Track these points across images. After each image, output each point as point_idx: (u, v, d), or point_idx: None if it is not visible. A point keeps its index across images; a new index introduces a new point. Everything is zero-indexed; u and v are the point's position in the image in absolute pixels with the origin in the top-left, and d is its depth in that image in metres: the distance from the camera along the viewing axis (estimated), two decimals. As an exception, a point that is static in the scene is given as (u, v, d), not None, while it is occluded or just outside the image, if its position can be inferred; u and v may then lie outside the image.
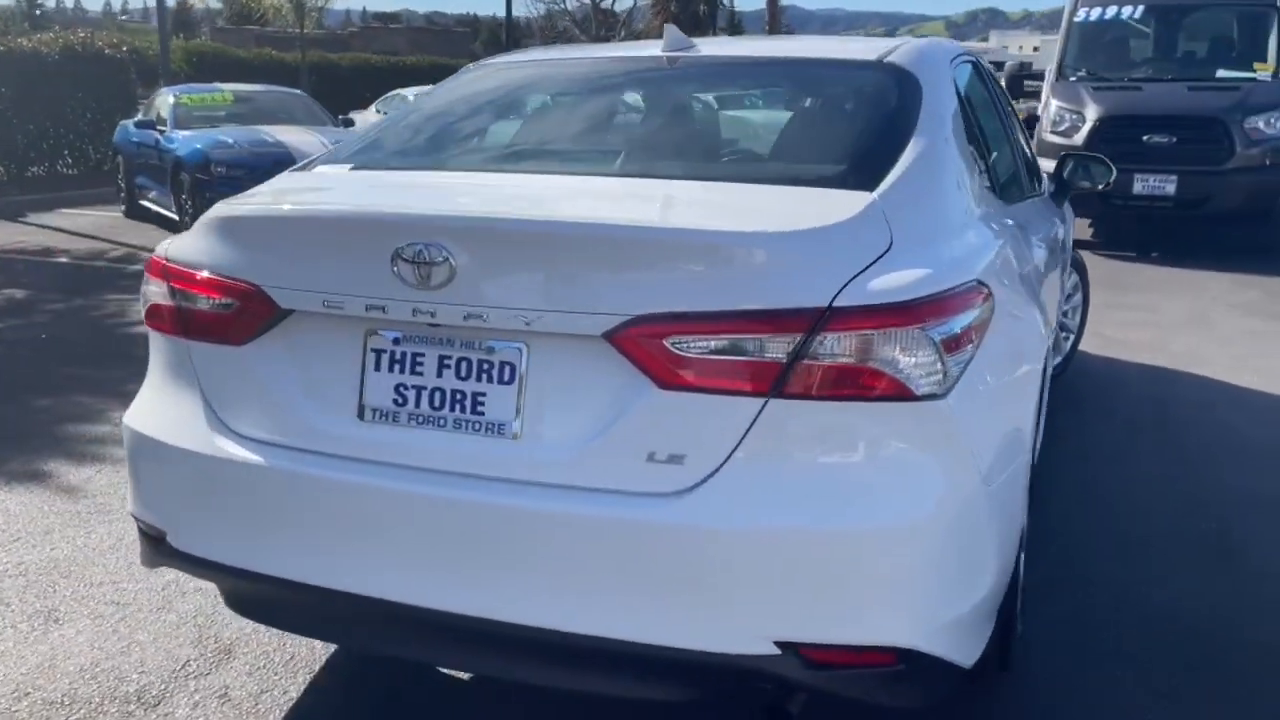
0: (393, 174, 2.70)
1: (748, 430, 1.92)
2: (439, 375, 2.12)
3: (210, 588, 3.20)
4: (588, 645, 2.01)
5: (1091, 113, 10.11)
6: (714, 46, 3.05)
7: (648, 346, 1.94)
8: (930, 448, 1.97)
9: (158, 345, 2.45)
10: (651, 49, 3.13)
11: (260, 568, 2.26)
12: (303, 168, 2.81)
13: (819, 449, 1.93)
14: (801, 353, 1.89)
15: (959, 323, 2.00)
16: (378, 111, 17.40)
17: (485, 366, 2.08)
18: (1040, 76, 11.87)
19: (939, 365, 1.94)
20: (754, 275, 1.92)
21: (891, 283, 1.95)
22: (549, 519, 2.00)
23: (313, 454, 2.19)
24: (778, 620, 1.93)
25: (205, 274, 2.29)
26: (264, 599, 2.41)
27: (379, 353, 2.16)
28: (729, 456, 1.93)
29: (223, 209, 2.37)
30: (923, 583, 1.95)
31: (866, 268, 1.96)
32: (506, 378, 2.07)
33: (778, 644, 1.93)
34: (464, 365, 2.10)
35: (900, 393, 1.92)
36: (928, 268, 2.03)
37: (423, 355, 2.13)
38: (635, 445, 1.97)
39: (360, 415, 2.17)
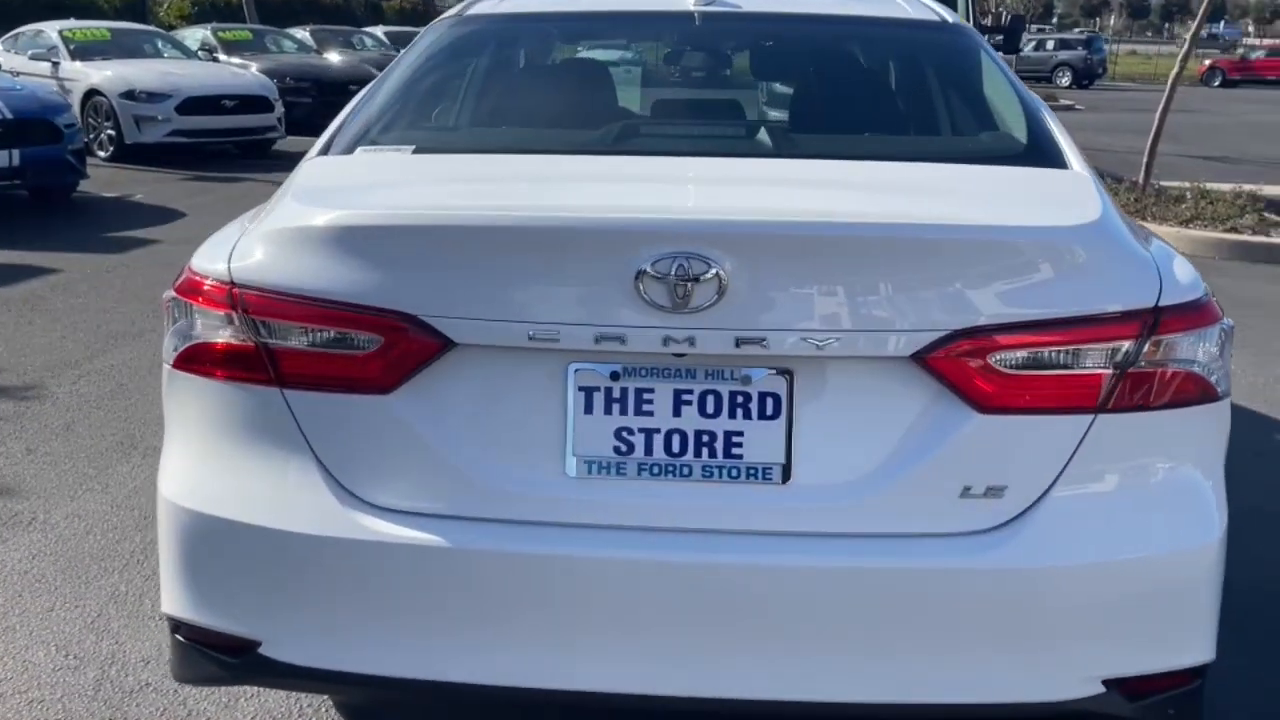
0: (504, 159, 2.12)
1: (1075, 451, 1.71)
2: (676, 414, 1.71)
3: (161, 678, 2.52)
4: (891, 715, 1.74)
5: None
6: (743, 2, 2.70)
7: (969, 365, 1.66)
8: (1219, 449, 1.87)
9: (210, 396, 1.80)
10: (677, 2, 2.71)
11: (426, 674, 1.76)
12: (324, 151, 2.15)
13: (1141, 465, 1.76)
14: (1133, 360, 1.70)
15: None
16: (6, 50, 14.76)
17: (739, 399, 1.71)
18: None
19: (1223, 361, 1.82)
20: (1078, 275, 1.69)
21: (1181, 276, 1.80)
22: (839, 575, 1.69)
23: (502, 524, 1.72)
24: (1106, 657, 1.75)
25: (317, 302, 1.71)
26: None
27: (589, 391, 1.71)
28: (1054, 482, 1.71)
29: (324, 214, 1.75)
30: (1217, 594, 1.85)
31: (1155, 260, 1.79)
32: (770, 411, 1.70)
33: (1105, 682, 1.76)
34: (710, 400, 1.71)
35: (1208, 394, 1.78)
36: (1176, 254, 1.91)
37: (651, 391, 1.71)
38: (948, 479, 1.69)
39: (569, 470, 1.72)
